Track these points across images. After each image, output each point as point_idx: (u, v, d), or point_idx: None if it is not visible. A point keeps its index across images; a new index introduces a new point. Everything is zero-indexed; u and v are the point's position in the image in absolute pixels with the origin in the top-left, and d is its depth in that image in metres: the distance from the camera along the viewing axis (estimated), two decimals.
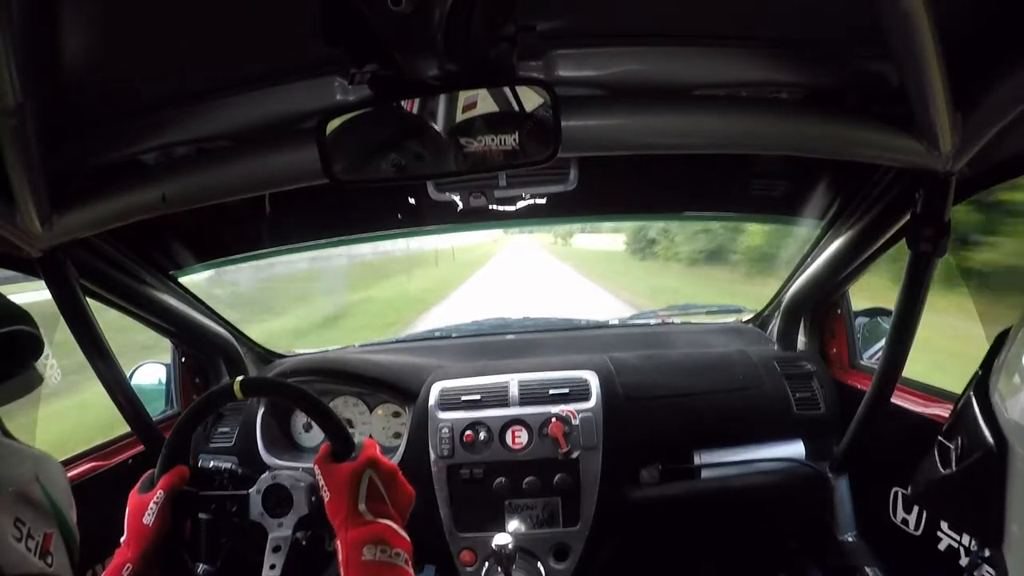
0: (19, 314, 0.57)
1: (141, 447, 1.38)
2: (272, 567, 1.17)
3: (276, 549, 1.20)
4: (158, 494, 1.11)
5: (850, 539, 1.49)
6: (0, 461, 0.50)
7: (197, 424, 1.30)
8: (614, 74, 0.88)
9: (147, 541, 1.06)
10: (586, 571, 1.42)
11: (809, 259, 1.53)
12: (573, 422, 1.41)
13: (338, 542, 0.84)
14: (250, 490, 1.24)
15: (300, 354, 1.88)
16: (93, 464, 1.36)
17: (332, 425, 1.14)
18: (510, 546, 1.27)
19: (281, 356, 1.87)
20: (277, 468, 1.40)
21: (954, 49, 0.72)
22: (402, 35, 0.67)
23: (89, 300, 1.18)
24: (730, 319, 2.00)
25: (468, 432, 1.42)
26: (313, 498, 1.23)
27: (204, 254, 1.56)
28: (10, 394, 0.57)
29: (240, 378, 1.19)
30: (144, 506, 1.09)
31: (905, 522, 1.29)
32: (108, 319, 1.29)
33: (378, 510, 0.85)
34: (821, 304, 1.59)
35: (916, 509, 1.26)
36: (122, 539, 1.08)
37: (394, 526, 0.83)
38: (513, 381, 1.50)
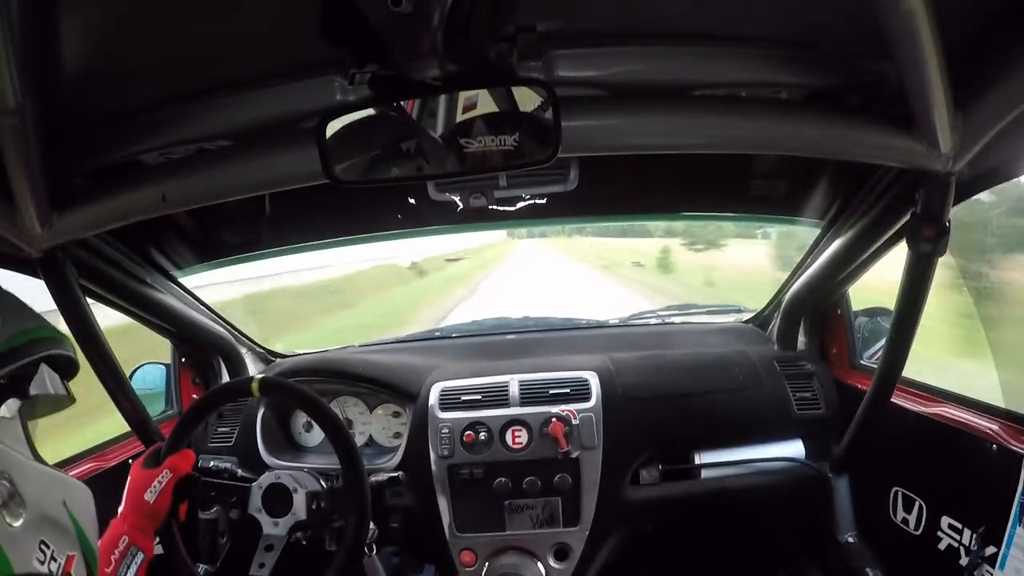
0: (58, 338, 0.58)
1: (141, 447, 1.38)
2: (262, 566, 1.17)
3: (269, 548, 1.19)
4: (164, 473, 1.11)
5: (850, 539, 1.48)
6: (29, 484, 0.51)
7: (211, 410, 1.29)
8: (614, 74, 0.88)
9: (145, 517, 1.06)
10: (586, 571, 1.42)
11: (809, 259, 1.52)
12: (573, 422, 1.41)
13: None
14: (252, 484, 1.24)
15: (300, 354, 1.88)
16: (93, 464, 1.36)
17: (341, 450, 1.16)
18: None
19: (281, 356, 1.87)
20: (278, 468, 1.40)
21: (954, 49, 0.72)
22: (402, 35, 0.67)
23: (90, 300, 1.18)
24: (730, 319, 2.00)
25: (468, 432, 1.41)
26: (313, 505, 1.23)
27: (204, 254, 1.56)
28: (39, 409, 0.58)
29: (259, 376, 1.20)
30: (148, 482, 1.09)
31: (905, 522, 1.29)
32: None
33: None
34: (821, 304, 1.59)
35: (916, 509, 1.26)
36: (119, 510, 1.07)
37: None
38: (513, 381, 1.50)
